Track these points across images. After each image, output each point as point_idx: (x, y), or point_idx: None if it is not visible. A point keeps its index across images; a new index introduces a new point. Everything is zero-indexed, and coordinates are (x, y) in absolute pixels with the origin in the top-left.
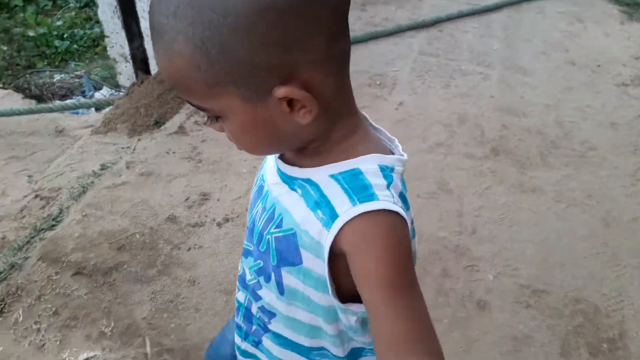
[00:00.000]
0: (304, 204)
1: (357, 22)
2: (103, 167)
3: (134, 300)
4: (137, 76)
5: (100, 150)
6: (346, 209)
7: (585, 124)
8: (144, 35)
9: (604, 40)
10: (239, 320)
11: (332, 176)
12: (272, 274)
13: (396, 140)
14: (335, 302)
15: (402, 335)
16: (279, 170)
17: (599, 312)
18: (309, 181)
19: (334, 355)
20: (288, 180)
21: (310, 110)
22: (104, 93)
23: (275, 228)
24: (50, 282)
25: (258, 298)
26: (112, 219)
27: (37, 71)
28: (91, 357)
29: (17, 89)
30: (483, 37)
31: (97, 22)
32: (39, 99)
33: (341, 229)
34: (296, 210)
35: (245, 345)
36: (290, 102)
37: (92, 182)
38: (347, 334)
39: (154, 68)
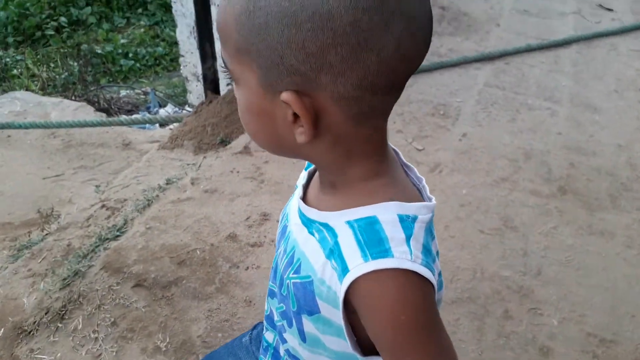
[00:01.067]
0: (322, 251)
1: None
2: (168, 182)
3: (191, 317)
4: (206, 96)
5: (167, 165)
6: (357, 264)
7: None
8: (217, 56)
9: None
10: (265, 359)
11: (348, 222)
12: (293, 320)
13: (424, 180)
14: (357, 355)
15: None
16: (299, 210)
17: None
18: (326, 226)
19: None
20: (307, 222)
21: (304, 132)
22: (168, 110)
23: (293, 273)
24: (111, 292)
25: (284, 341)
26: (174, 233)
27: (105, 86)
28: None
29: (88, 102)
30: (551, 72)
31: (163, 40)
32: (107, 112)
33: (351, 284)
34: (313, 257)
35: None
36: (295, 114)
37: (157, 195)
38: None
39: (223, 89)
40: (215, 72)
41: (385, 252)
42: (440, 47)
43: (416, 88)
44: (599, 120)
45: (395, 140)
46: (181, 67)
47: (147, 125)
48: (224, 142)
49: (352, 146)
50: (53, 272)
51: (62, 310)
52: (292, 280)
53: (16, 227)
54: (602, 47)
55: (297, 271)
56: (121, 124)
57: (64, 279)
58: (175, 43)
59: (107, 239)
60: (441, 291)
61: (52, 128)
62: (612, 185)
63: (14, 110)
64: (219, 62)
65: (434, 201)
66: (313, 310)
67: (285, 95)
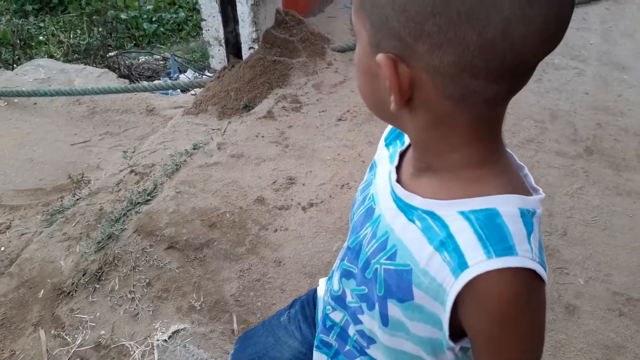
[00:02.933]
0: (426, 241)
1: None
2: (195, 147)
3: (223, 277)
4: (228, 60)
5: (192, 130)
6: (478, 261)
7: None
8: (239, 20)
9: None
10: (329, 338)
11: (462, 214)
12: (377, 304)
13: (526, 168)
14: (446, 341)
15: None
16: (394, 194)
17: None
18: (432, 215)
19: None
20: (405, 208)
21: (393, 100)
22: (188, 75)
23: (386, 259)
24: (145, 254)
25: (358, 322)
26: (204, 196)
27: (125, 52)
28: (181, 329)
29: (109, 69)
30: (578, 30)
31: (180, 6)
32: (129, 78)
33: (469, 281)
34: (416, 247)
35: None
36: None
37: (185, 160)
38: None
39: (245, 53)
40: (237, 36)
41: (510, 250)
42: None
43: None
44: (627, 79)
45: None
46: (203, 32)
47: (169, 91)
48: (248, 107)
49: (453, 129)
50: (87, 236)
51: (99, 272)
52: (384, 267)
53: (48, 192)
54: (632, 3)
55: (391, 258)
56: (144, 90)
57: (99, 242)
58: (195, 9)
59: (138, 203)
60: None
61: (77, 95)
62: (639, 145)
63: (38, 78)
64: (241, 25)
65: (541, 192)
66: (405, 298)
67: (379, 57)
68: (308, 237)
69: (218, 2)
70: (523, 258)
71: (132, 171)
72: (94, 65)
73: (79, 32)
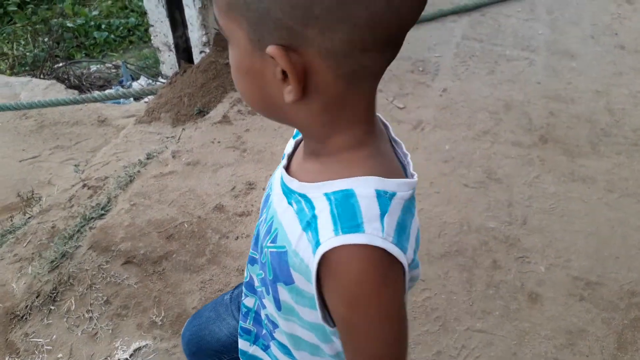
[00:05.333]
0: (298, 222)
1: None
2: (149, 157)
3: (184, 290)
4: (179, 65)
5: (145, 139)
6: (328, 238)
7: (637, 111)
8: (188, 24)
9: None
10: (247, 324)
11: (326, 195)
12: (270, 288)
13: (409, 156)
14: (326, 326)
15: None
16: (282, 180)
17: None
18: (304, 197)
19: None
20: (287, 192)
21: (292, 90)
22: (141, 83)
23: (270, 242)
24: (101, 271)
25: (264, 306)
26: (160, 208)
27: (75, 62)
28: (143, 346)
29: (57, 80)
30: (527, 21)
31: (132, 10)
32: (79, 89)
33: (321, 258)
34: (290, 228)
35: (254, 349)
36: (285, 71)
37: (139, 171)
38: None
39: (196, 57)
40: (187, 40)
41: (357, 227)
42: None
43: None
44: (576, 67)
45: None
46: (152, 37)
47: (122, 100)
48: (202, 112)
49: (342, 111)
50: (40, 256)
51: (53, 293)
52: (270, 249)
53: None
54: None
55: (273, 240)
56: (95, 100)
57: (52, 262)
58: (146, 13)
59: (92, 218)
60: (416, 270)
61: (24, 109)
62: (591, 131)
63: None
64: (190, 29)
65: (415, 178)
66: (288, 280)
67: (271, 49)
68: None
69: (165, 6)
70: (370, 235)
71: (84, 185)
72: (42, 77)
73: (23, 42)
